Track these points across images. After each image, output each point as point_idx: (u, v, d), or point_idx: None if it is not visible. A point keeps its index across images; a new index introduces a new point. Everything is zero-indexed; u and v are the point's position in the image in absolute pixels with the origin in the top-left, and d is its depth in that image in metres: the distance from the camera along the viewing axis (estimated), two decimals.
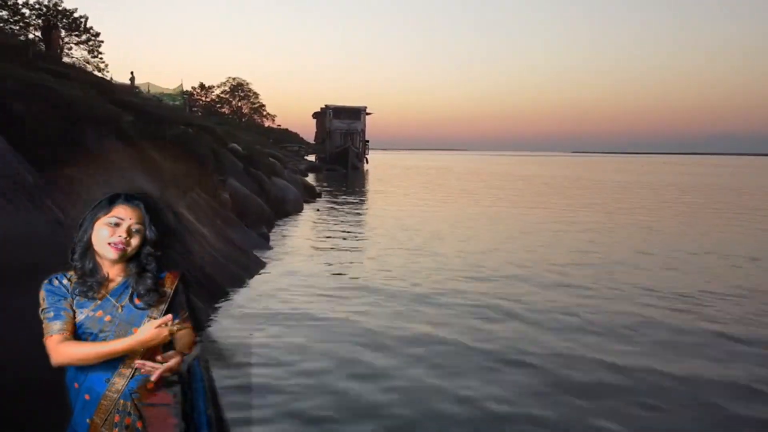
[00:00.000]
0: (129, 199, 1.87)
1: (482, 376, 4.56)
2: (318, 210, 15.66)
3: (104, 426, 1.78)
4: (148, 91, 47.77)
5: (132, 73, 41.52)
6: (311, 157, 55.60)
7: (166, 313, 1.85)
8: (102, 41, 45.47)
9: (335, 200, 19.04)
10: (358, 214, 15.51)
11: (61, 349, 1.72)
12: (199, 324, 2.48)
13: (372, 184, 29.00)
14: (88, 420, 1.80)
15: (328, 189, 24.76)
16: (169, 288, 1.91)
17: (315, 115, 54.84)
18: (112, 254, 1.81)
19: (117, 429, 1.79)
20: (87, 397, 1.80)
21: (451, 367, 4.74)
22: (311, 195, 18.98)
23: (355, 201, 19.10)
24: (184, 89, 55.00)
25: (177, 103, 51.66)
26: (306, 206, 16.33)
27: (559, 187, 28.24)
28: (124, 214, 1.83)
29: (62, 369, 1.78)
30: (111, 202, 1.85)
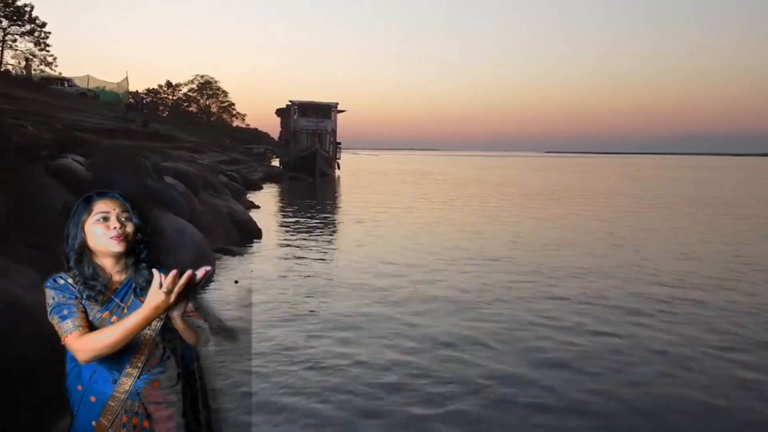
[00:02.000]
0: (103, 194, 1.85)
1: None
2: (236, 282, 8.17)
3: (111, 427, 1.77)
4: (87, 84, 40.50)
5: (27, 60, 33.81)
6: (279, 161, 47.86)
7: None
8: (49, 33, 37.52)
9: (283, 244, 11.79)
10: (314, 282, 8.36)
11: (84, 343, 1.68)
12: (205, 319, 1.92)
13: (345, 202, 21.80)
14: (93, 423, 1.78)
15: (284, 214, 17.48)
16: None
17: (279, 112, 47.09)
18: (116, 247, 1.80)
19: (125, 430, 1.78)
20: (93, 399, 1.78)
21: None
22: (244, 236, 11.69)
23: (314, 245, 11.83)
24: (130, 83, 47.91)
25: (121, 99, 44.29)
26: (222, 267, 9.08)
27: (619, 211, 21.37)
28: (107, 207, 1.82)
29: (62, 374, 1.77)
30: (88, 202, 1.83)
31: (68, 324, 1.68)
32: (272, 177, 30.98)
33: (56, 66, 38.16)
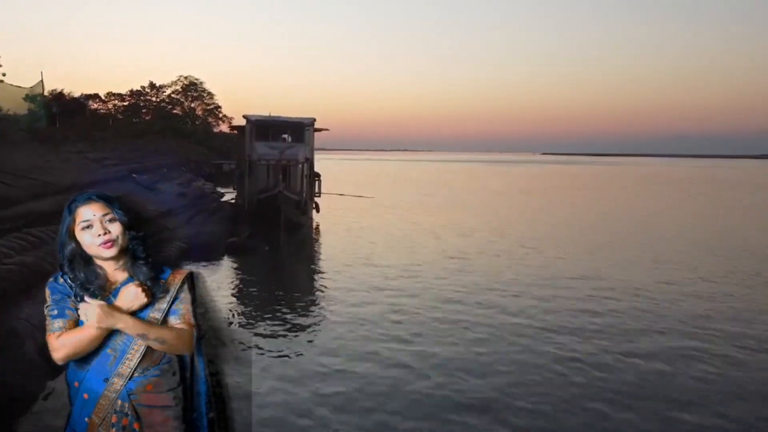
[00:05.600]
0: (81, 198, 1.88)
1: None
2: None
3: (102, 425, 1.79)
4: None
5: None
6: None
7: (167, 310, 1.87)
8: None
9: None
10: None
11: (58, 342, 1.76)
12: (212, 327, 1.94)
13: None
14: (86, 419, 1.81)
15: None
16: (172, 286, 1.89)
17: (234, 129, 33.26)
18: (107, 253, 1.85)
19: (114, 429, 1.79)
20: (86, 396, 1.81)
21: None
22: None
23: None
24: (45, 86, 35.31)
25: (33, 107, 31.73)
26: None
27: None
28: (87, 214, 1.85)
29: (64, 368, 1.77)
30: (70, 210, 1.87)
31: (55, 324, 1.78)
32: (201, 248, 17.33)
33: (3, 75, 31.29)
